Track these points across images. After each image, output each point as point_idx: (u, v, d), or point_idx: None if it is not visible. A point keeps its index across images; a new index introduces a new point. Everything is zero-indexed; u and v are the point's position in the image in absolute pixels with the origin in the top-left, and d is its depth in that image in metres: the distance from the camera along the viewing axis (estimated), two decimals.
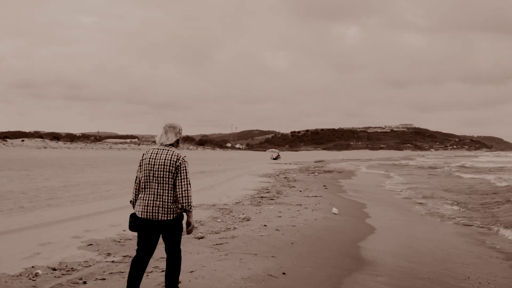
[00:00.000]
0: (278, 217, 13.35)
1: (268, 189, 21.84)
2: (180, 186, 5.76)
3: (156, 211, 5.75)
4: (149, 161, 5.85)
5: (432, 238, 12.70)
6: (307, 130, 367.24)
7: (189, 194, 5.79)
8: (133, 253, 8.63)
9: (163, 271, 7.44)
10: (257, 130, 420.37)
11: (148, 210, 5.76)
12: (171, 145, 5.95)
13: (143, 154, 5.98)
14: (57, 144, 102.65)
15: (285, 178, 30.72)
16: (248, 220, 12.74)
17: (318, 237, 11.01)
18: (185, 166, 5.81)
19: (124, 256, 8.51)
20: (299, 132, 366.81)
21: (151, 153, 5.89)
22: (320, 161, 76.22)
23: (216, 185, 23.62)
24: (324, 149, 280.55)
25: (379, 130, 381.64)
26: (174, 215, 5.81)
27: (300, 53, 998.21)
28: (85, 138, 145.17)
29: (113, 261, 8.17)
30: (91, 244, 9.48)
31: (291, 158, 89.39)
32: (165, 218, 5.76)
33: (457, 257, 10.57)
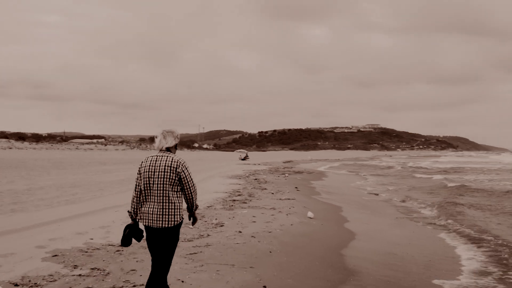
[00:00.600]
0: (253, 222, 12.89)
1: (239, 192, 21.37)
2: (188, 193, 5.81)
3: (156, 218, 5.66)
4: (149, 168, 5.75)
5: (412, 243, 12.40)
6: (275, 130, 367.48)
7: (196, 198, 5.91)
8: (102, 265, 8.20)
9: (134, 286, 6.92)
10: (224, 130, 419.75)
11: (149, 218, 5.70)
12: (169, 150, 5.86)
13: (142, 162, 5.88)
14: (22, 144, 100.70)
15: (256, 179, 30.30)
16: (221, 226, 12.24)
17: (296, 244, 10.57)
18: (187, 172, 5.78)
19: (92, 269, 7.92)
20: (266, 132, 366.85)
21: (151, 160, 5.79)
22: (289, 162, 76.12)
23: None
24: (291, 149, 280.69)
25: (346, 130, 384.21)
26: (175, 223, 5.69)
27: (267, 53, 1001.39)
28: (51, 138, 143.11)
29: (80, 275, 7.58)
30: (56, 255, 8.85)
31: (260, 159, 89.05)
32: (166, 225, 5.65)
33: (439, 263, 10.28)
